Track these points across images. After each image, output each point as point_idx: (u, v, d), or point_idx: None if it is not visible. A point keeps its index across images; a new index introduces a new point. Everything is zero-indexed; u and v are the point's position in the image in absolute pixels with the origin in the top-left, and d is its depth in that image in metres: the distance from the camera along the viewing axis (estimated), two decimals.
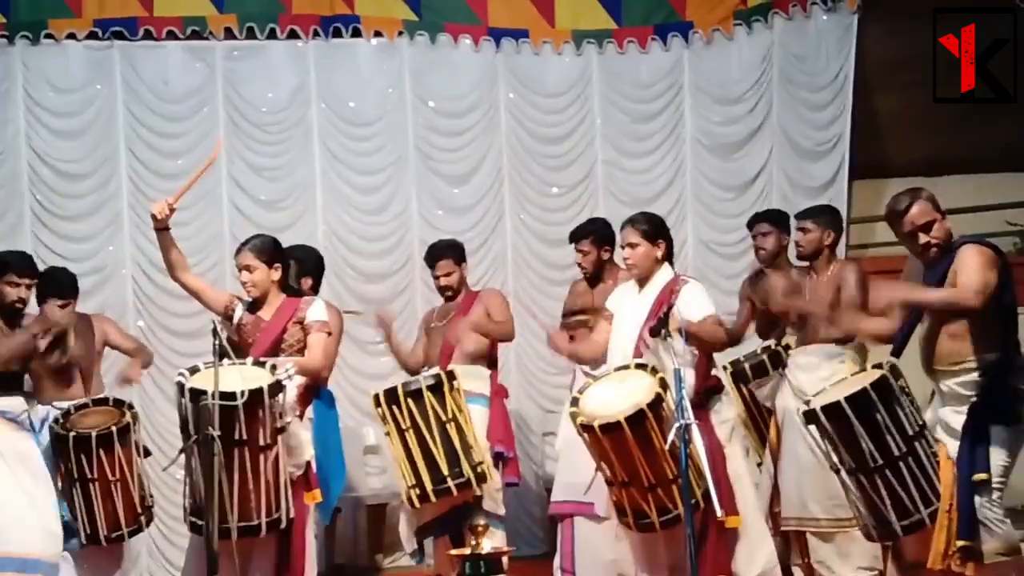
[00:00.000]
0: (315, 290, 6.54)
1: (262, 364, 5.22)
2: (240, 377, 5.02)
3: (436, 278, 6.65)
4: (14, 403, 5.47)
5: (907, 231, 4.73)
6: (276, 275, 5.51)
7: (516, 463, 6.62)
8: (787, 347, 6.25)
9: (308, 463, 5.44)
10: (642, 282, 5.52)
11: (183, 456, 5.12)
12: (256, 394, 5.00)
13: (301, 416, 5.50)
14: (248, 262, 5.49)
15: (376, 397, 6.15)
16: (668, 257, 5.52)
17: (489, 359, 6.61)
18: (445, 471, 6.04)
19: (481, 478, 6.12)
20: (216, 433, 4.84)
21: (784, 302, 5.90)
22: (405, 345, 6.80)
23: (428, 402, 6.05)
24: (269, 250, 5.52)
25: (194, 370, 5.20)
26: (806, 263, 5.96)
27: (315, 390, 5.73)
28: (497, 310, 6.60)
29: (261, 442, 5.07)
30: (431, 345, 6.64)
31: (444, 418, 6.08)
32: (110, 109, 7.90)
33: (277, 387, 5.09)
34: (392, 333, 6.68)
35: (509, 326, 6.64)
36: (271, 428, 5.09)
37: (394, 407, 6.09)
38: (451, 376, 6.14)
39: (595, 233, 6.50)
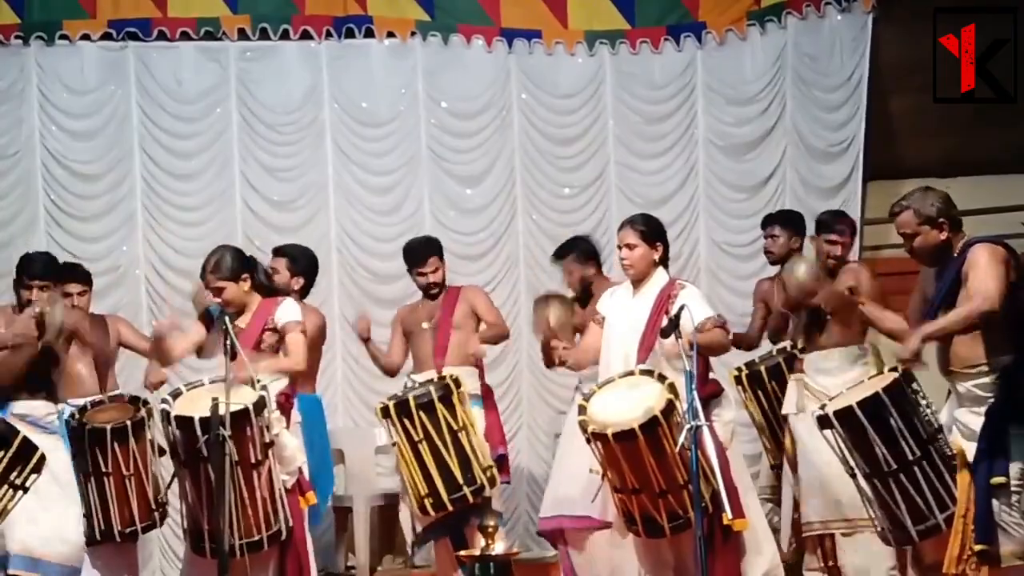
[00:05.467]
0: (306, 291, 6.52)
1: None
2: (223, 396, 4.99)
3: (423, 275, 6.55)
4: (38, 406, 5.44)
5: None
6: (246, 285, 5.53)
7: (507, 462, 6.63)
8: (803, 350, 6.22)
9: (300, 468, 5.46)
10: (637, 285, 5.46)
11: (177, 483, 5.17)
12: (241, 414, 5.01)
13: (287, 424, 5.51)
14: (216, 285, 5.49)
15: (384, 409, 6.09)
16: (664, 260, 5.46)
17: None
18: (460, 479, 6.05)
19: (492, 481, 6.15)
20: (227, 433, 4.86)
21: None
22: (381, 348, 6.73)
23: (440, 412, 6.03)
24: (230, 267, 5.51)
25: (176, 394, 5.24)
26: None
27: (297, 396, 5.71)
28: (485, 309, 6.56)
29: (252, 459, 5.11)
30: (419, 347, 6.57)
31: (456, 427, 6.06)
32: (124, 110, 7.91)
33: (261, 403, 5.10)
34: (369, 337, 6.62)
35: (504, 327, 6.62)
36: (260, 444, 5.12)
37: (405, 419, 6.05)
38: (457, 383, 6.12)
39: (575, 251, 6.44)
